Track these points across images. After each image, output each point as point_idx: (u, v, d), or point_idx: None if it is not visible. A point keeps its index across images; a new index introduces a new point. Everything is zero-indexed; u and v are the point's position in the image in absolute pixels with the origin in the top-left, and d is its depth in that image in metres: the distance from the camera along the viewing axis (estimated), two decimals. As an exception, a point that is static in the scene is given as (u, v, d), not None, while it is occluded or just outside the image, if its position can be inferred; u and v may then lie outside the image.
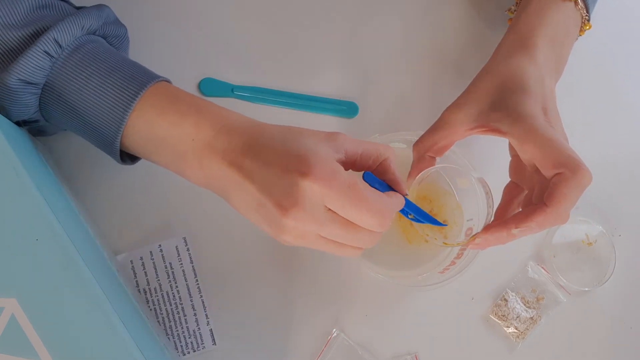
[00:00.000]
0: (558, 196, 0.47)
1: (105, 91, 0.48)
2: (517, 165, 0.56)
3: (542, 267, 0.61)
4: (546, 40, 0.55)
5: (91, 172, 0.59)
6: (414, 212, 0.51)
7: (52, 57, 0.47)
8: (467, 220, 0.60)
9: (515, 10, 0.60)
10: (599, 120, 0.66)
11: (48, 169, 0.52)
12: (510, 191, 0.56)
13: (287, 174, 0.43)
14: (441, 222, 0.58)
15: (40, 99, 0.49)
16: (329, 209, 0.44)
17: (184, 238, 0.59)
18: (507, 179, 0.62)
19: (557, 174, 0.47)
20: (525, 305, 0.60)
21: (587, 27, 0.59)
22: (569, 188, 0.47)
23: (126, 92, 0.48)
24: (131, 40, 0.57)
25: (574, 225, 0.62)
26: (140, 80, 0.48)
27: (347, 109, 0.63)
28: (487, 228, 0.51)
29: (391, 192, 0.49)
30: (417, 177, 0.56)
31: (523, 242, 0.62)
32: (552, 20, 0.56)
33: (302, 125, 0.63)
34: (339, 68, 0.65)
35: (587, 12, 0.57)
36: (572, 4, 0.56)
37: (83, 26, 0.49)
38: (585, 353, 0.61)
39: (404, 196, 0.50)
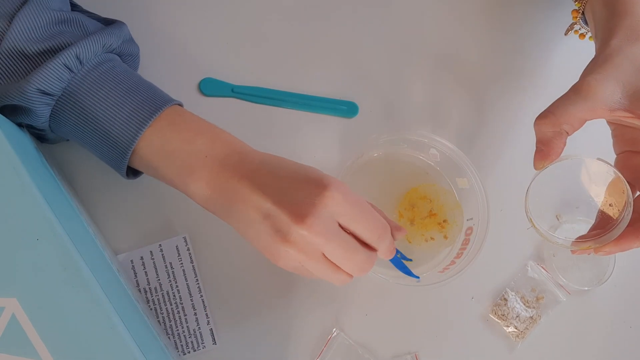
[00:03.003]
0: None
1: (122, 109, 0.49)
2: (633, 162, 0.52)
3: (542, 267, 0.61)
4: None
5: (91, 172, 0.59)
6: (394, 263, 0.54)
7: (72, 71, 0.48)
8: (467, 220, 0.60)
9: None
10: (598, 120, 0.66)
11: (48, 169, 0.52)
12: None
13: (307, 186, 0.46)
14: (441, 222, 0.58)
15: (53, 109, 0.50)
16: (339, 224, 0.46)
17: (185, 237, 0.59)
18: (508, 180, 0.62)
19: None
20: (525, 304, 0.60)
21: None
22: None
23: (142, 112, 0.49)
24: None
25: (573, 225, 0.62)
26: (156, 102, 0.50)
27: (347, 109, 0.63)
28: (617, 240, 0.49)
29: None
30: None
31: (523, 241, 0.62)
32: None
33: (302, 126, 0.63)
34: (339, 68, 0.64)
35: None
36: None
37: (104, 45, 0.51)
38: (585, 353, 0.61)
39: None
